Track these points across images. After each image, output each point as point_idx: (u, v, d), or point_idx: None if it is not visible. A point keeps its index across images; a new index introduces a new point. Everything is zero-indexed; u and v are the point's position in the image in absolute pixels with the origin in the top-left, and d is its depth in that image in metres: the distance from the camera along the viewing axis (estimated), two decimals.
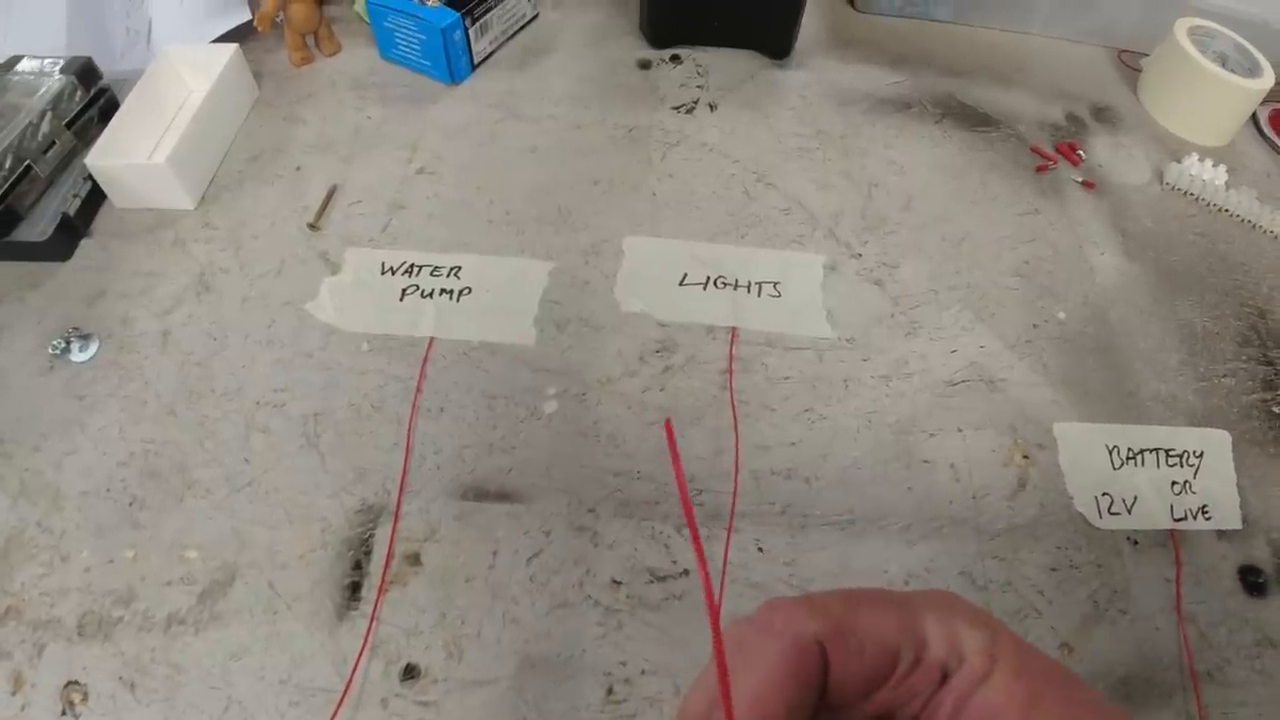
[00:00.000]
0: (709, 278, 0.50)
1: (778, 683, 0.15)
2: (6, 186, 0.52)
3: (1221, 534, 0.43)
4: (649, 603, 0.39)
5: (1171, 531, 0.42)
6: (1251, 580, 0.41)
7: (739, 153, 0.57)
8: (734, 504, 0.42)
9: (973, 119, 0.61)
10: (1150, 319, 0.51)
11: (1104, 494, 0.44)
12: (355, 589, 0.40)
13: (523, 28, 0.66)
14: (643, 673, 0.38)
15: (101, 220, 0.56)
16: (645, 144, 0.58)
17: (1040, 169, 0.58)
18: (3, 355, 0.50)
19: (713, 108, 0.60)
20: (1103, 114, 0.62)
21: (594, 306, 0.49)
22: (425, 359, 0.47)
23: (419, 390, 0.46)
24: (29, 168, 0.53)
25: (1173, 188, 0.58)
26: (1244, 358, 0.50)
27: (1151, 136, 0.61)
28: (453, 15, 0.58)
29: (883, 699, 0.16)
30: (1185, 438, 0.46)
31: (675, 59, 0.64)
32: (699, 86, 0.62)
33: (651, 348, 0.48)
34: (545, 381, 0.46)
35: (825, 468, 0.44)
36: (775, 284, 0.50)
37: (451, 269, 0.50)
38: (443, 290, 0.49)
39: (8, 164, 0.52)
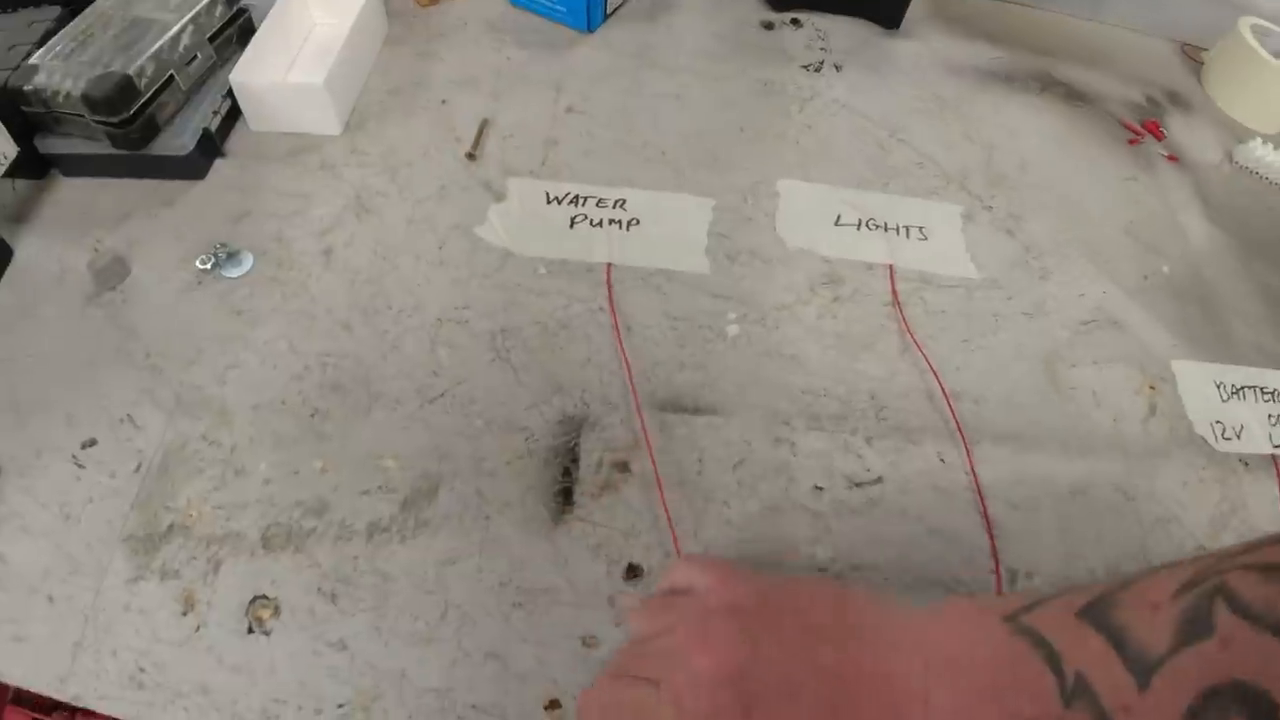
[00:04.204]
0: (860, 220, 0.53)
1: None
2: (149, 95, 0.50)
3: None
4: (852, 506, 0.42)
5: (1273, 456, 0.47)
6: None
7: (868, 110, 0.60)
8: (962, 432, 0.45)
9: (1068, 94, 0.66)
10: (1236, 278, 0.57)
11: (1217, 422, 0.48)
12: (567, 494, 0.41)
13: None
14: (855, 568, 0.40)
15: (235, 142, 0.54)
16: (782, 97, 0.60)
17: (1132, 142, 0.63)
18: (140, 270, 0.48)
19: (838, 68, 0.63)
20: (1175, 99, 0.68)
21: (760, 241, 0.51)
22: (609, 281, 0.48)
23: (614, 309, 0.47)
24: (171, 78, 0.51)
25: (1241, 166, 0.64)
26: None
27: (1217, 121, 0.68)
28: None
29: None
30: (1272, 377, 0.51)
31: (795, 22, 0.67)
32: (822, 49, 0.65)
33: (819, 279, 0.50)
34: (724, 306, 0.48)
35: (988, 391, 0.47)
36: (920, 228, 0.53)
37: (617, 201, 0.52)
38: (611, 220, 0.51)
39: (151, 71, 0.50)
